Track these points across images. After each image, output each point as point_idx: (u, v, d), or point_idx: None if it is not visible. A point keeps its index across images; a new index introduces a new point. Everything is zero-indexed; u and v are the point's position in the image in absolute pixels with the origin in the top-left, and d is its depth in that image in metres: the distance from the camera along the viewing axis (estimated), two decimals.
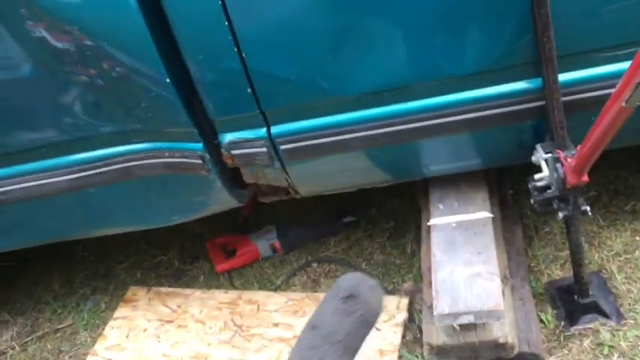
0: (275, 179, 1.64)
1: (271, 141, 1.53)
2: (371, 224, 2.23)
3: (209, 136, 1.57)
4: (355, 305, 0.30)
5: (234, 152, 1.56)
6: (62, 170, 1.62)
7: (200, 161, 1.56)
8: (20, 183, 1.66)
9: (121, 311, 2.19)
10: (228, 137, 1.55)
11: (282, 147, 1.55)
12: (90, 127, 1.52)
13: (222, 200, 1.73)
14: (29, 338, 2.20)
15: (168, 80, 1.40)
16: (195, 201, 1.74)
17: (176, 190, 1.69)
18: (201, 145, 1.54)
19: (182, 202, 1.76)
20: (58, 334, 2.19)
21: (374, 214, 2.25)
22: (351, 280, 0.33)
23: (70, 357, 2.09)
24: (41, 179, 1.63)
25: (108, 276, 2.38)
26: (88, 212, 1.78)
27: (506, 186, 1.95)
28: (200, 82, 1.43)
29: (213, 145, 1.58)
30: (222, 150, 1.56)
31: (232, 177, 1.70)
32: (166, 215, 1.81)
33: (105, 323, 2.15)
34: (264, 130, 1.53)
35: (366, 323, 0.28)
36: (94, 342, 2.09)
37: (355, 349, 0.29)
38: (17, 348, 2.17)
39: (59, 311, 2.29)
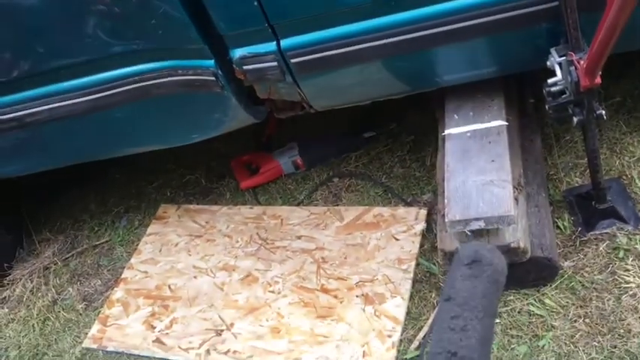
0: (288, 94, 1.66)
1: (281, 55, 1.53)
2: (391, 139, 2.23)
3: (221, 52, 1.58)
4: (481, 267, 0.32)
5: (245, 68, 1.57)
6: (83, 91, 1.66)
7: (213, 78, 1.58)
8: (45, 105, 1.72)
9: (153, 228, 2.30)
10: (238, 53, 1.55)
11: (293, 60, 1.55)
12: (103, 47, 1.54)
13: (238, 117, 1.76)
14: (70, 254, 2.34)
15: None
16: (212, 119, 1.78)
17: (193, 108, 1.72)
18: (212, 61, 1.56)
19: (200, 121, 1.80)
20: (97, 250, 2.33)
21: (394, 129, 2.25)
22: (470, 247, 0.36)
23: (108, 270, 2.23)
24: (64, 101, 1.69)
25: (140, 195, 2.48)
26: (112, 132, 1.83)
27: (526, 95, 1.92)
28: None
29: (225, 62, 1.59)
30: (234, 66, 1.57)
31: (248, 94, 1.71)
32: (186, 134, 1.86)
33: (139, 239, 2.27)
34: (273, 44, 1.53)
35: (496, 282, 0.31)
36: (129, 256, 2.22)
37: (494, 311, 0.31)
38: (59, 263, 2.32)
39: (96, 229, 2.41)
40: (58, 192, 2.62)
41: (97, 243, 2.35)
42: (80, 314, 2.11)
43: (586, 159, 1.78)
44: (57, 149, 1.93)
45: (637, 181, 1.73)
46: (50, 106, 1.71)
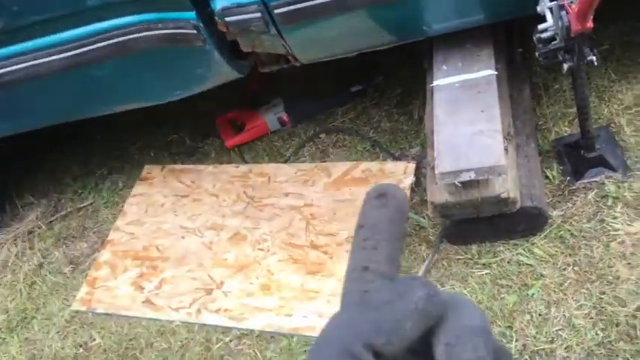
0: (272, 47, 1.61)
1: (265, 5, 1.48)
2: (378, 92, 2.20)
3: (202, 4, 1.52)
4: (387, 199, 0.34)
5: (227, 19, 1.51)
6: (59, 48, 1.60)
7: (194, 31, 1.53)
8: (20, 63, 1.65)
9: (138, 189, 2.26)
10: (220, 3, 1.50)
11: (277, 11, 1.50)
12: (76, 0, 1.48)
13: (222, 72, 1.71)
14: (54, 217, 2.30)
15: None
16: (195, 74, 1.73)
17: (175, 63, 1.67)
18: (193, 13, 1.50)
19: (182, 76, 1.75)
20: (81, 213, 2.29)
21: (381, 82, 2.21)
22: (378, 185, 0.39)
23: (94, 233, 2.20)
24: (40, 58, 1.62)
25: (123, 156, 2.43)
26: (91, 91, 1.78)
27: (515, 44, 1.89)
28: None
29: (207, 14, 1.54)
30: (216, 17, 1.52)
31: (231, 47, 1.66)
32: (169, 90, 1.81)
33: (124, 201, 2.24)
34: None
35: (401, 212, 0.33)
36: (115, 218, 2.19)
37: (400, 235, 0.35)
38: (44, 227, 2.28)
39: (80, 191, 2.37)
40: (40, 155, 2.56)
41: (82, 205, 2.31)
42: (67, 277, 2.08)
43: (575, 108, 1.76)
44: (34, 110, 1.87)
45: (625, 128, 1.72)
46: (25, 64, 1.65)
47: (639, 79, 1.81)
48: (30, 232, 2.28)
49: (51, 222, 2.29)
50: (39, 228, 2.28)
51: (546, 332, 1.46)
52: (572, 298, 1.50)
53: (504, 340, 1.48)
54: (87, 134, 2.55)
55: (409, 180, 1.91)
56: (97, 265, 2.06)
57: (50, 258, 2.17)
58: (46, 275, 2.11)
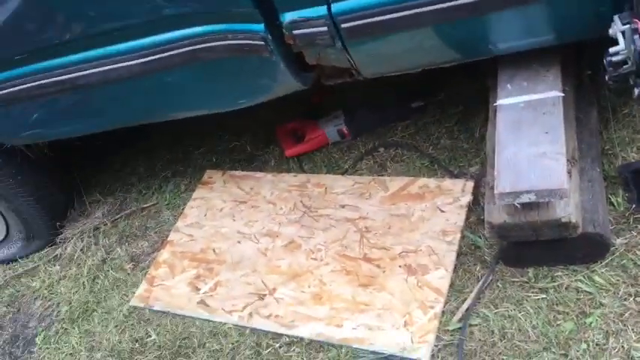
0: (337, 60, 1.64)
1: (332, 19, 1.51)
2: (439, 109, 2.19)
3: (271, 16, 1.56)
4: None
5: (295, 32, 1.55)
6: (134, 54, 1.68)
7: (262, 42, 1.57)
8: (97, 67, 1.74)
9: (199, 192, 2.33)
10: (288, 17, 1.54)
11: (344, 25, 1.52)
12: (153, 9, 1.55)
13: (286, 83, 1.75)
14: (119, 216, 2.40)
15: None
16: (260, 84, 1.77)
17: (242, 73, 1.72)
18: (262, 25, 1.55)
19: (247, 86, 1.79)
20: (144, 213, 2.38)
21: (443, 99, 2.20)
22: None
23: (155, 232, 2.28)
24: (115, 63, 1.71)
25: (186, 160, 2.51)
26: (161, 96, 1.85)
27: (584, 66, 1.85)
28: None
29: (275, 27, 1.58)
30: (284, 30, 1.56)
31: (296, 59, 1.70)
32: (234, 99, 1.86)
33: (185, 203, 2.31)
34: (324, 8, 1.50)
35: None
36: (175, 220, 2.26)
37: None
38: (109, 224, 2.38)
39: (144, 192, 2.47)
40: (109, 155, 2.68)
41: (145, 206, 2.40)
42: (128, 274, 2.16)
43: None
44: (107, 112, 1.96)
45: None
46: (102, 68, 1.74)
47: None
48: (96, 229, 2.38)
49: (115, 220, 2.39)
50: (104, 225, 2.39)
51: None
52: (633, 329, 1.45)
53: None
54: (153, 138, 2.65)
55: (467, 198, 1.89)
56: (156, 264, 2.13)
57: (113, 254, 2.27)
58: (108, 270, 2.20)
